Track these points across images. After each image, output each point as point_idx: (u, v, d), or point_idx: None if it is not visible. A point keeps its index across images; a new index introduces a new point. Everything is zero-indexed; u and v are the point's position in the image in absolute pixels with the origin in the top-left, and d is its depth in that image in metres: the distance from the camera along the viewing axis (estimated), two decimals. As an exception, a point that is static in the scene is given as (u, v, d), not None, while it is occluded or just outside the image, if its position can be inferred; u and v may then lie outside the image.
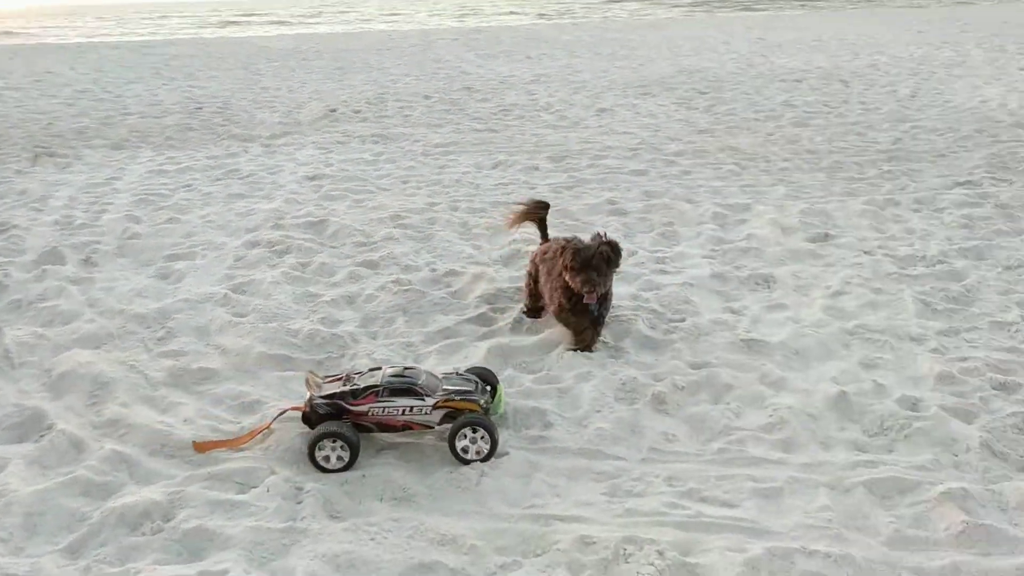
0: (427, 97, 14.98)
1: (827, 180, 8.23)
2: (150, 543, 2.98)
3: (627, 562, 2.87)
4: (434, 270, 5.87)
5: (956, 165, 8.63)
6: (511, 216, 5.39)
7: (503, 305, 5.22)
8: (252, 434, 3.64)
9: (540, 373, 4.36)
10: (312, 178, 8.79)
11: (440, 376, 3.76)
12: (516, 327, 4.90)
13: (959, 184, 7.83)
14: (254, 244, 6.49)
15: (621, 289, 5.41)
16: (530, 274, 4.92)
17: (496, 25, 47.27)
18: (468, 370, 3.90)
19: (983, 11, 35.85)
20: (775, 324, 4.89)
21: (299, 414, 3.64)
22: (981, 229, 6.52)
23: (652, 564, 2.83)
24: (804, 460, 3.50)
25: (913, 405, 3.91)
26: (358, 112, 13.45)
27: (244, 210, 7.51)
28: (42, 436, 3.72)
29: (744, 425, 3.79)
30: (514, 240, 6.42)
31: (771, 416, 3.82)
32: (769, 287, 5.53)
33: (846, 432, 3.72)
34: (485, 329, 4.92)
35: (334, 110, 13.65)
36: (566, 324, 4.57)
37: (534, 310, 4.97)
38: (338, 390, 3.59)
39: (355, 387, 3.57)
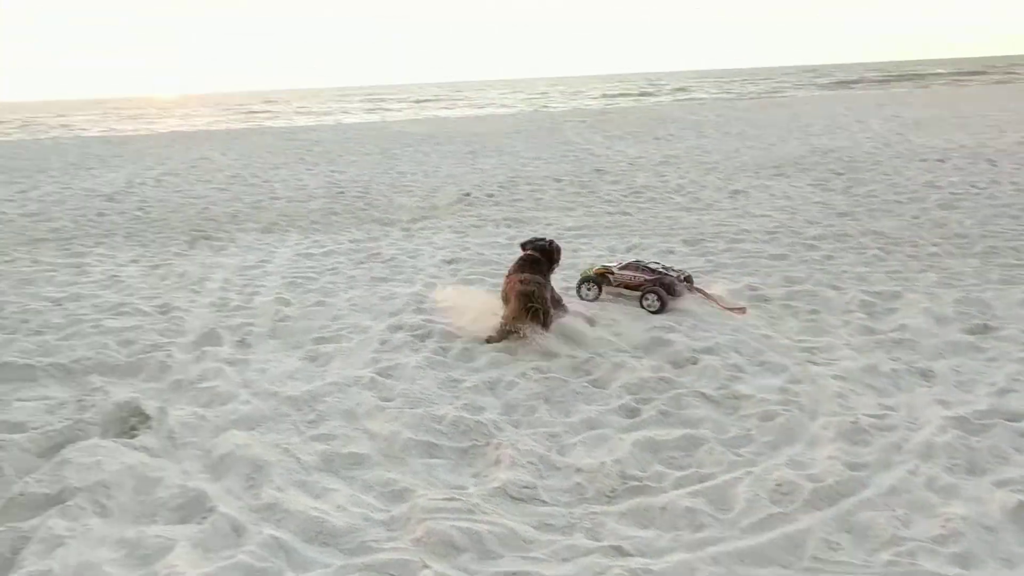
0: (558, 180, 15.22)
1: (981, 266, 7.84)
2: (308, 634, 3.01)
3: None
4: (573, 357, 5.86)
5: None
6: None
7: (646, 396, 5.15)
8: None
9: (689, 471, 4.24)
10: (450, 262, 9.00)
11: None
12: (661, 419, 4.81)
13: None
14: (397, 328, 6.65)
15: (767, 381, 5.27)
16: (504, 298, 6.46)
17: (622, 106, 47.87)
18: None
19: None
20: (937, 424, 4.62)
21: None
22: None
23: None
24: (985, 578, 3.26)
25: (1105, 519, 3.59)
26: (491, 196, 13.77)
27: (387, 293, 7.73)
28: (204, 518, 3.84)
29: (914, 535, 3.57)
30: (653, 326, 6.36)
31: (943, 527, 3.58)
32: (928, 382, 5.25)
33: (1030, 547, 3.45)
34: (629, 421, 4.85)
35: (468, 194, 14.03)
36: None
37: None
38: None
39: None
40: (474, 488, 4.12)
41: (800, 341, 6.07)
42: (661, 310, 6.77)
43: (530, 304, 6.02)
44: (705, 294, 7.00)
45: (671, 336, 6.12)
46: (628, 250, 9.23)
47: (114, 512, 3.93)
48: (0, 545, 3.60)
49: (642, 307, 6.86)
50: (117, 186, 17.23)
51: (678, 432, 4.62)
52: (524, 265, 6.52)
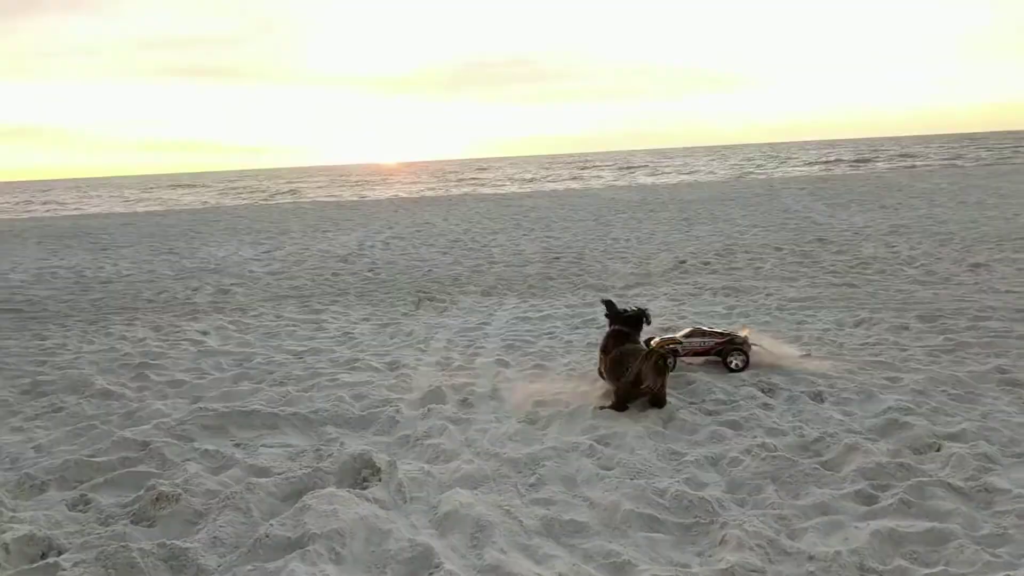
0: (778, 248, 14.77)
1: None
2: None
3: None
4: (802, 435, 5.58)
5: None
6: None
7: (884, 482, 4.80)
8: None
9: (937, 568, 3.89)
10: (666, 330, 8.88)
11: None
12: (903, 509, 4.45)
13: None
14: (612, 396, 6.61)
15: (1019, 474, 4.78)
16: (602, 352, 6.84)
17: (843, 173, 46.03)
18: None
19: None
20: None
21: None
22: None
23: None
24: None
25: None
26: (707, 264, 13.56)
27: (603, 360, 7.74)
28: (431, 575, 3.94)
29: None
30: (888, 408, 5.96)
31: None
32: None
33: None
34: (866, 508, 4.52)
35: (683, 262, 13.88)
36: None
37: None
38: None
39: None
40: (699, 568, 3.98)
41: (1063, 433, 5.46)
42: (745, 367, 7.12)
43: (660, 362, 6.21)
44: (763, 347, 7.34)
45: (909, 419, 5.70)
46: (857, 324, 8.74)
47: (347, 560, 4.11)
48: (249, 583, 3.85)
49: (728, 368, 7.16)
50: (350, 248, 18.48)
51: (923, 525, 4.25)
52: (618, 338, 6.66)
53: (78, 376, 7.79)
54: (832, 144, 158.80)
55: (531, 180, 64.24)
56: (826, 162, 67.47)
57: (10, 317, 11.60)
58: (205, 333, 9.84)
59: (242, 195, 59.39)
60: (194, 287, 13.81)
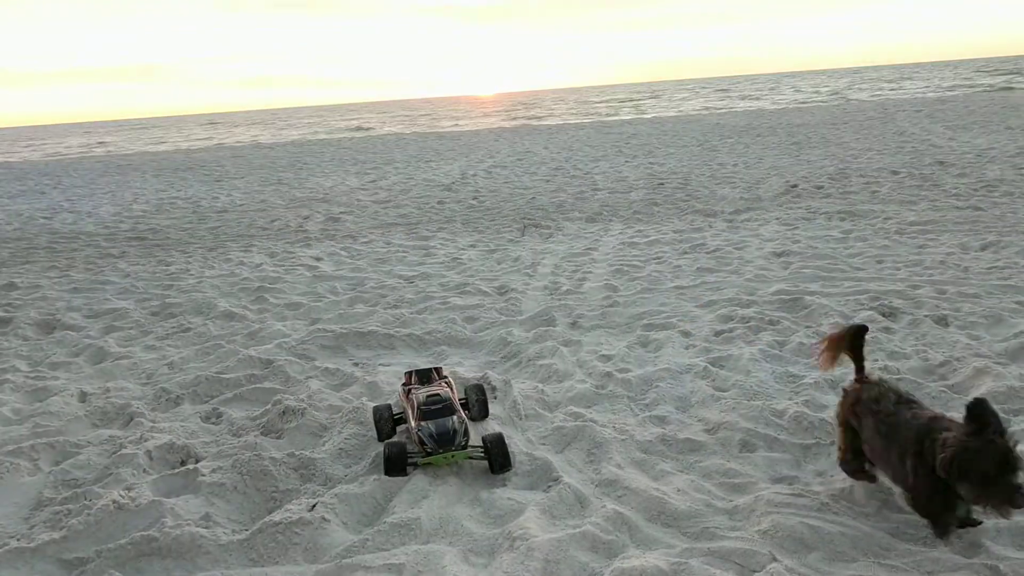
0: (895, 172, 14.14)
1: None
2: (660, 611, 3.02)
3: None
4: (926, 359, 5.39)
5: None
6: (823, 349, 3.98)
7: (1017, 406, 4.60)
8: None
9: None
10: (779, 254, 8.67)
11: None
12: (1038, 434, 4.26)
13: None
14: (728, 319, 6.52)
15: None
16: (846, 423, 3.78)
17: (964, 94, 43.49)
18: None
19: None
20: None
21: None
22: None
23: None
24: None
25: None
26: (820, 188, 13.10)
27: (714, 284, 7.62)
28: (550, 487, 4.00)
29: None
30: (1020, 332, 5.68)
31: None
32: None
33: None
34: (997, 432, 4.35)
35: (795, 186, 13.45)
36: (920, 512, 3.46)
37: (857, 470, 3.82)
38: None
39: None
40: (819, 487, 3.92)
41: None
42: None
43: None
44: None
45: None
46: (983, 248, 8.33)
47: (468, 473, 4.21)
48: (375, 493, 3.99)
49: None
50: (453, 177, 18.59)
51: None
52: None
53: (202, 299, 8.14)
54: (947, 65, 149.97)
55: (629, 105, 62.98)
56: (941, 85, 63.82)
57: (136, 244, 12.17)
58: (318, 259, 10.11)
59: (342, 128, 60.23)
60: (305, 215, 14.16)
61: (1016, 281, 6.99)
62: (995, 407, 3.15)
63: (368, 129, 54.98)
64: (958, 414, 4.52)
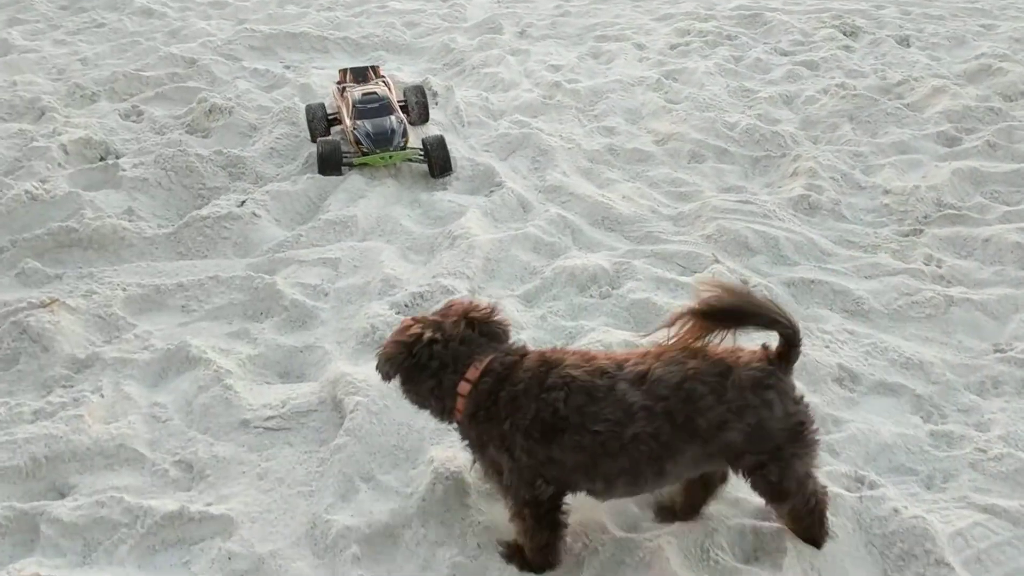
0: None
1: None
2: (599, 306, 2.99)
3: None
4: (884, 78, 5.21)
5: None
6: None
7: (970, 125, 4.51)
8: None
9: (1020, 207, 3.71)
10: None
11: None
12: (988, 151, 4.21)
13: None
14: (685, 32, 6.20)
15: None
16: None
17: None
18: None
19: None
20: None
21: None
22: None
23: None
24: None
25: None
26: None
27: (672, -3, 7.19)
28: (492, 191, 3.86)
29: None
30: (982, 55, 5.51)
31: None
32: None
33: None
34: (948, 149, 4.29)
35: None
36: None
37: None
38: None
39: None
40: (768, 196, 3.85)
41: None
42: None
43: None
44: None
45: (1003, 65, 5.25)
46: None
47: (406, 175, 4.03)
48: (308, 192, 3.81)
49: None
50: None
51: (1008, 166, 4.03)
52: None
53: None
54: None
55: None
56: None
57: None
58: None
59: None
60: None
61: (982, 4, 6.71)
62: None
63: None
64: (912, 132, 4.45)
